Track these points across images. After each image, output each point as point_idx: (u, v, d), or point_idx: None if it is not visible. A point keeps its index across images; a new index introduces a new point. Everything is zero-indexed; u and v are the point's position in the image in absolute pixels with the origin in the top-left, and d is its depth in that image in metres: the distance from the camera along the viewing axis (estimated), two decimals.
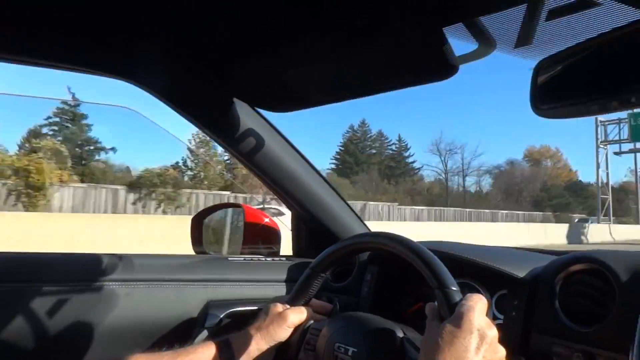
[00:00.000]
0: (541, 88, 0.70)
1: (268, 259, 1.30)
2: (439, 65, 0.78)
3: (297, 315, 0.87)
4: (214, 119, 1.09)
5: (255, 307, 1.14)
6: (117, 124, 40.87)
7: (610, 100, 0.64)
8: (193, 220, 1.50)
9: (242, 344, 0.83)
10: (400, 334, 0.78)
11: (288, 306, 0.89)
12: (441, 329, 0.65)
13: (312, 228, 1.35)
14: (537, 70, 0.70)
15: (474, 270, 0.95)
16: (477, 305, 0.65)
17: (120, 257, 1.08)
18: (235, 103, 1.07)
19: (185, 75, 1.02)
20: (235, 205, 1.52)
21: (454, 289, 0.69)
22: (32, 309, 0.95)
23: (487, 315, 0.66)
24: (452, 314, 0.66)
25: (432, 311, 0.70)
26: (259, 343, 0.84)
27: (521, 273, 0.91)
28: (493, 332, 0.64)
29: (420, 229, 14.25)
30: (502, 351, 0.66)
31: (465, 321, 0.63)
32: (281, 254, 1.41)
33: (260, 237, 1.41)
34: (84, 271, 1.03)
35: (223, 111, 1.07)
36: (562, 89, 0.69)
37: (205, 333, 1.07)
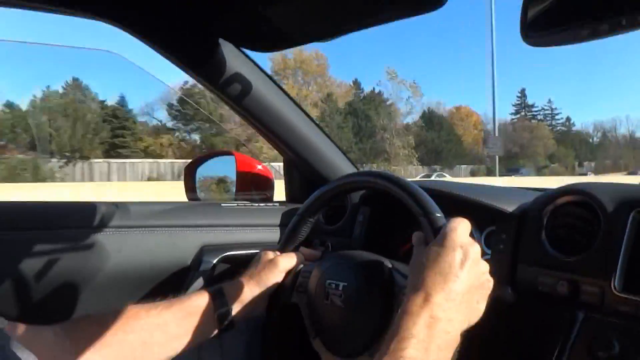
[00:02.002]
0: (531, 16, 0.68)
1: (261, 204, 1.31)
2: None
3: (288, 260, 0.89)
4: (199, 61, 1.06)
5: (249, 251, 1.15)
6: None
7: (601, 24, 0.62)
8: (186, 168, 1.50)
9: (235, 291, 0.85)
10: (388, 265, 0.79)
11: (279, 253, 0.91)
12: (426, 250, 0.66)
13: (303, 172, 1.35)
14: None
15: (463, 206, 0.96)
16: (459, 226, 0.67)
17: (114, 204, 1.08)
18: (221, 44, 1.04)
19: (167, 15, 0.98)
20: (227, 153, 1.51)
21: (438, 215, 0.70)
22: (26, 257, 0.95)
23: (470, 236, 0.68)
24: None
25: (418, 238, 0.72)
26: (252, 289, 0.85)
27: (510, 208, 0.91)
28: (476, 249, 0.66)
29: None
30: (485, 266, 0.67)
31: (448, 240, 0.65)
32: (275, 200, 1.42)
33: (253, 183, 1.41)
34: (79, 219, 1.03)
35: (208, 52, 1.04)
36: (552, 15, 0.67)
37: (200, 280, 1.08)
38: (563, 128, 60.01)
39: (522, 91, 60.94)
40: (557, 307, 0.77)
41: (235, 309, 0.84)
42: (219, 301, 0.83)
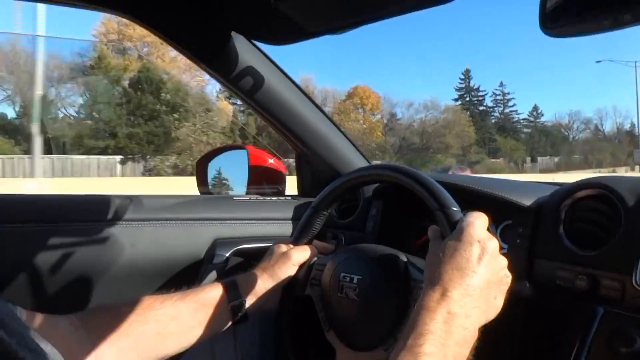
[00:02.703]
0: (550, 5, 0.66)
1: (273, 198, 1.31)
2: None
3: (301, 253, 0.89)
4: (211, 54, 1.06)
5: (262, 245, 1.15)
6: None
7: (623, 13, 0.61)
8: (198, 162, 1.51)
9: (249, 283, 0.85)
10: (404, 259, 0.79)
11: (292, 246, 0.91)
12: (443, 245, 0.65)
13: (315, 166, 1.35)
14: None
15: (479, 200, 0.95)
16: (477, 220, 0.66)
17: (129, 198, 1.08)
18: (233, 37, 1.04)
19: (179, 7, 0.98)
20: (239, 147, 1.51)
21: (455, 209, 0.69)
22: (42, 249, 0.96)
23: (487, 230, 0.67)
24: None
25: (434, 232, 0.71)
26: (265, 282, 0.85)
27: (527, 202, 0.90)
28: (494, 243, 0.65)
29: None
30: (503, 261, 0.66)
31: (466, 234, 0.64)
32: (287, 193, 1.42)
33: (265, 177, 1.41)
34: (95, 212, 1.04)
35: (220, 45, 1.04)
36: (572, 5, 0.65)
37: (213, 273, 1.09)
38: (516, 116, 53.10)
39: (466, 72, 53.53)
40: (576, 301, 0.76)
41: (249, 301, 0.84)
42: (233, 293, 0.83)
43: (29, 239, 0.96)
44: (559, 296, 0.79)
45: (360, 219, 1.19)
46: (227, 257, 1.12)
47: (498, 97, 53.94)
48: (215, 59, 1.07)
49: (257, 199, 1.27)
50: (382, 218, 1.16)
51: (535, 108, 55.09)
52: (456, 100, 52.31)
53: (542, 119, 55.51)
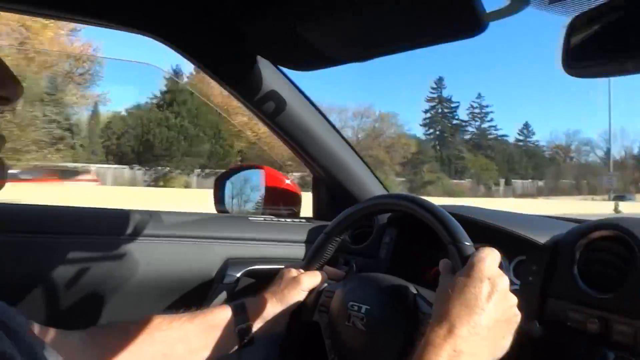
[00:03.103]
0: (574, 46, 0.67)
1: (288, 220, 1.31)
2: (467, 21, 0.75)
3: (311, 278, 0.89)
4: (237, 77, 1.09)
5: (274, 267, 1.16)
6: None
7: None
8: (216, 180, 1.52)
9: (257, 307, 0.85)
10: (413, 291, 0.78)
11: (302, 271, 0.91)
12: (453, 280, 0.65)
13: (332, 190, 1.35)
14: (571, 27, 0.67)
15: (492, 235, 0.94)
16: (488, 257, 0.65)
17: (144, 213, 1.10)
18: (259, 61, 1.07)
19: (207, 30, 1.01)
20: (256, 167, 1.53)
21: (467, 244, 0.69)
22: (57, 262, 0.98)
23: (499, 267, 0.66)
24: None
25: (445, 266, 0.71)
26: (274, 306, 0.86)
27: (542, 239, 0.89)
28: (504, 281, 0.64)
29: None
30: (513, 299, 0.66)
31: (476, 271, 0.64)
32: (301, 216, 1.42)
33: (281, 198, 1.42)
34: (111, 225, 1.06)
35: (246, 69, 1.06)
36: (595, 47, 0.66)
37: (224, 293, 1.09)
38: (494, 132, 47.34)
39: (439, 81, 49.43)
40: (587, 345, 0.75)
41: (256, 325, 0.84)
42: (240, 316, 0.83)
43: (44, 249, 0.98)
44: (569, 338, 0.78)
45: (374, 245, 1.18)
46: (238, 278, 1.12)
47: (475, 110, 49.83)
48: (240, 82, 1.09)
49: (271, 220, 1.28)
50: (395, 246, 1.15)
51: (526, 126, 51.93)
52: (426, 112, 48.64)
53: (534, 137, 51.73)
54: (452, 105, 50.06)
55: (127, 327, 0.76)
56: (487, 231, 0.95)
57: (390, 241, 1.16)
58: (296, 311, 0.87)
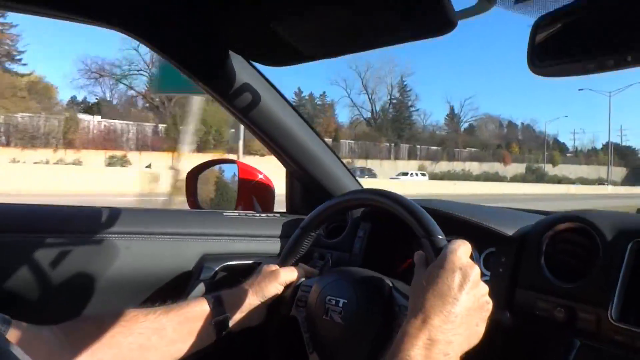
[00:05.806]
0: (539, 45, 0.69)
1: (262, 214, 1.32)
2: (436, 21, 0.76)
3: (289, 273, 0.90)
4: (209, 73, 1.07)
5: (250, 262, 1.16)
6: None
7: (608, 58, 0.63)
8: (188, 175, 1.51)
9: (234, 299, 0.86)
10: (389, 284, 0.80)
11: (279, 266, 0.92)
12: (426, 272, 0.67)
13: (305, 185, 1.36)
14: (536, 27, 0.69)
15: (464, 227, 0.97)
16: (460, 248, 0.68)
17: (119, 210, 1.08)
18: (231, 56, 1.06)
19: (180, 26, 0.99)
20: (229, 161, 1.52)
21: (440, 237, 0.71)
22: (32, 260, 0.96)
23: (471, 258, 0.68)
24: None
25: (419, 259, 0.73)
26: (251, 299, 0.86)
27: (510, 231, 0.92)
28: (476, 271, 0.67)
29: None
30: (485, 288, 0.68)
31: (448, 262, 0.66)
32: (275, 210, 1.43)
33: (254, 193, 1.42)
34: (85, 223, 1.04)
35: (218, 64, 1.05)
36: (560, 47, 0.68)
37: (201, 286, 1.09)
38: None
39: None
40: (555, 332, 0.78)
41: (234, 317, 0.84)
42: (217, 309, 0.84)
43: (18, 248, 0.96)
44: (537, 326, 0.81)
45: (348, 239, 1.20)
46: (216, 272, 1.12)
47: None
48: (212, 77, 1.08)
49: (245, 215, 1.28)
50: (369, 240, 1.17)
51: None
52: None
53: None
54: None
55: (102, 320, 0.76)
56: (458, 224, 0.98)
57: (364, 235, 1.18)
58: (274, 305, 0.88)
